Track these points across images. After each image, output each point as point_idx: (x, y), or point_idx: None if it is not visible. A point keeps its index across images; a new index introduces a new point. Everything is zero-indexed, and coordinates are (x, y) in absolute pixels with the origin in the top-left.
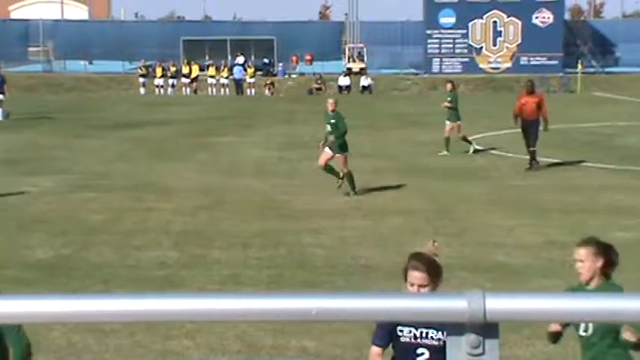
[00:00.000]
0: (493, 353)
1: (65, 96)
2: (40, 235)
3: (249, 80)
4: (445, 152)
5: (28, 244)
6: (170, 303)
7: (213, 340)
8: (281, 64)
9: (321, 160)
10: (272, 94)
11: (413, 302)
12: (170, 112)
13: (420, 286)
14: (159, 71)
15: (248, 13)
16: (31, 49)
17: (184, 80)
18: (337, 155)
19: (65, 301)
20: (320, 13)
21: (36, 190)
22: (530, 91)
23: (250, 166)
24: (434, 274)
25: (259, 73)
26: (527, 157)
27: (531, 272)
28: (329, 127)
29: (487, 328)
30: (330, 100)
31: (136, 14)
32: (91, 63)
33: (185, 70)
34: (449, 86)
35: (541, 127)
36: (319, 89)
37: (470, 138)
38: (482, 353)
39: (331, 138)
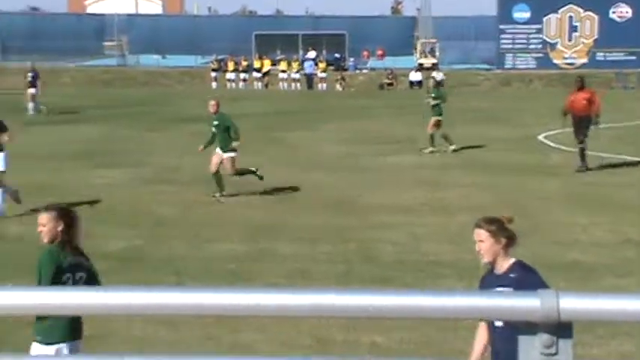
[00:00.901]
0: (567, 353)
1: (139, 90)
2: (112, 227)
3: (320, 75)
4: (431, 149)
5: (100, 235)
6: (241, 297)
7: (283, 334)
8: (352, 59)
9: (213, 166)
10: (343, 88)
11: (485, 301)
12: (241, 106)
13: (480, 241)
14: (231, 65)
15: (320, 8)
16: (106, 43)
17: (256, 75)
18: (224, 157)
19: (141, 293)
20: (392, 8)
21: (109, 183)
22: (580, 87)
23: (321, 161)
24: (493, 231)
25: (331, 67)
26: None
27: (606, 271)
28: (214, 130)
29: (561, 328)
30: (212, 102)
31: (209, 9)
32: (164, 57)
33: (257, 64)
34: (432, 82)
35: (592, 125)
36: (390, 84)
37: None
38: (556, 353)
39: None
